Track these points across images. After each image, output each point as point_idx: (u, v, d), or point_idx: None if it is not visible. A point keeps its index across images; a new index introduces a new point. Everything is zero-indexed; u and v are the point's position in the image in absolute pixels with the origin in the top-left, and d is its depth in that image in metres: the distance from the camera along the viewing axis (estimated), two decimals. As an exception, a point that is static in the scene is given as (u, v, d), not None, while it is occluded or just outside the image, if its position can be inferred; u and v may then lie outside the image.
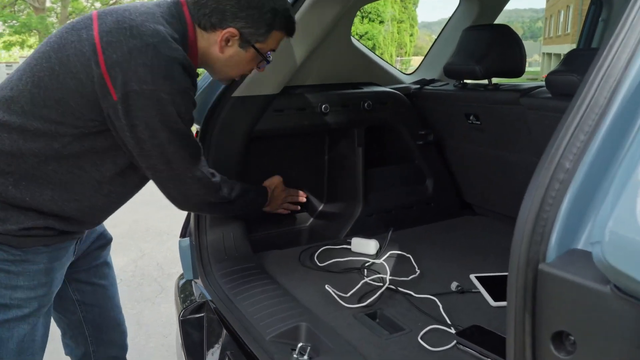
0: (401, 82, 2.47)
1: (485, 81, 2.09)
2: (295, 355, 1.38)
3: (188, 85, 1.34)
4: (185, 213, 2.09)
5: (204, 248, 1.93)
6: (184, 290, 2.03)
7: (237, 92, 1.91)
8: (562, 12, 35.41)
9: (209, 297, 1.79)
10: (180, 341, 1.83)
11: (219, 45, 1.44)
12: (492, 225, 2.37)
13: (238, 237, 1.99)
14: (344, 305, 1.63)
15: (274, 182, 2.00)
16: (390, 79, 2.44)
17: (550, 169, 0.72)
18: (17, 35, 15.29)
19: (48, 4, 15.79)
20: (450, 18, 2.67)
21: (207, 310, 1.81)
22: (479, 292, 1.72)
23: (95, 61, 1.24)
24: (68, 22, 1.41)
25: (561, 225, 0.69)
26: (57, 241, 1.43)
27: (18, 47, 17.32)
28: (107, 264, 1.82)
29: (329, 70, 2.20)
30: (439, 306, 1.59)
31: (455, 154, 2.43)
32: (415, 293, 1.69)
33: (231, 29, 1.41)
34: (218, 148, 1.92)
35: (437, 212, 2.44)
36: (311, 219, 2.37)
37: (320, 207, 2.39)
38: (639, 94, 0.71)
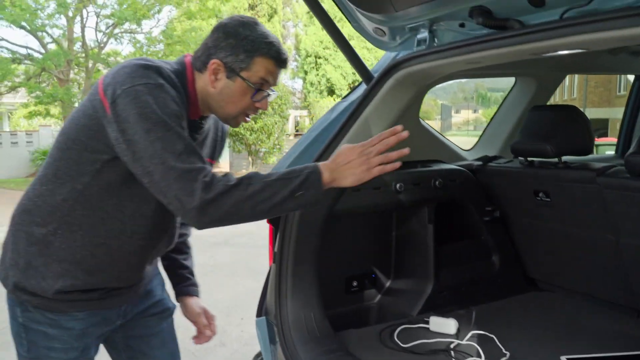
0: (463, 159, 2.54)
1: (555, 158, 2.15)
2: None
3: (160, 82, 1.37)
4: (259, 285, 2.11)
5: (286, 330, 1.93)
6: (264, 373, 2.02)
7: (320, 174, 1.96)
8: (567, 77, 36.17)
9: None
10: None
11: (210, 81, 1.49)
12: (563, 302, 2.37)
13: (318, 318, 1.99)
14: (440, 390, 1.62)
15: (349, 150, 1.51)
16: (454, 156, 2.51)
17: None
18: (41, 105, 15.77)
19: (71, 75, 16.32)
20: (507, 97, 2.77)
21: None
22: (575, 375, 1.70)
23: (97, 93, 1.37)
24: None
25: None
26: (93, 307, 1.50)
27: (39, 117, 17.85)
28: (167, 337, 1.82)
29: (400, 149, 2.26)
30: (541, 391, 1.58)
31: (521, 230, 2.46)
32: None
33: (215, 60, 1.47)
34: (300, 227, 1.95)
35: (503, 288, 2.44)
36: (379, 296, 2.38)
37: (388, 284, 2.40)
38: None
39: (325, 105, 19.56)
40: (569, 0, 1.37)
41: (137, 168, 1.35)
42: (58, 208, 1.44)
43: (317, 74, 25.64)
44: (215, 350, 3.69)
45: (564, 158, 2.17)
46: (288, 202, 1.39)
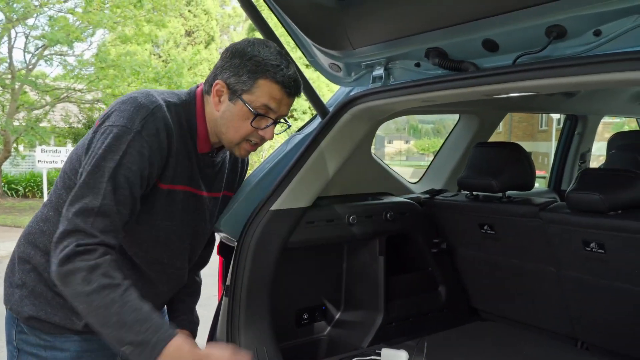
0: (411, 192, 2.60)
1: (499, 194, 2.24)
2: None
3: (144, 130, 1.35)
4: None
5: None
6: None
7: (275, 206, 1.96)
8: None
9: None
10: None
11: (214, 104, 1.46)
12: (504, 331, 2.45)
13: (271, 351, 1.96)
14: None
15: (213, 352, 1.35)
16: (402, 188, 2.57)
17: None
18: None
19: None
20: (451, 132, 2.88)
21: None
22: (523, 403, 1.76)
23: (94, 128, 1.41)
24: None
25: None
26: (88, 330, 1.41)
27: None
28: None
29: (352, 181, 2.30)
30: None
31: (466, 261, 2.54)
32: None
33: (218, 81, 1.44)
34: (255, 259, 1.93)
35: (450, 318, 2.51)
36: (329, 328, 2.38)
37: (338, 315, 2.41)
38: None
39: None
40: (522, 46, 1.45)
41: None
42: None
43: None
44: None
45: (507, 193, 2.28)
46: (111, 337, 1.26)
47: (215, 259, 2.09)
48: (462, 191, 2.48)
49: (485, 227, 2.31)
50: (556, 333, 2.30)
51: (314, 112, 2.13)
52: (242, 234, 1.93)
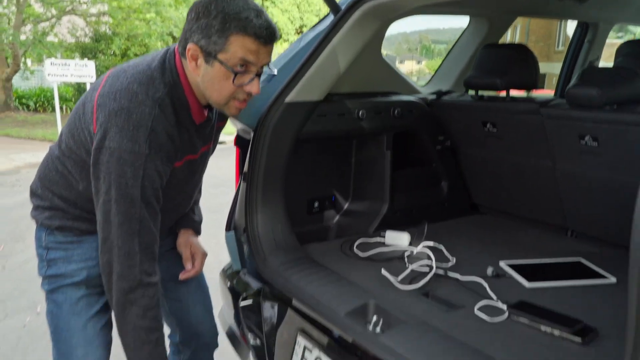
0: (419, 92, 2.71)
1: (502, 93, 2.35)
2: (371, 328, 1.57)
3: (145, 151, 1.39)
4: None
5: (256, 240, 2.08)
6: (234, 279, 2.18)
7: (288, 99, 2.08)
8: (509, 31, 36.99)
9: (269, 282, 1.95)
10: (239, 326, 1.99)
11: (192, 69, 1.44)
12: (502, 223, 2.63)
13: (285, 231, 2.15)
14: (398, 288, 1.84)
15: None
16: (410, 89, 2.67)
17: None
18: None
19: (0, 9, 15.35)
20: (461, 36, 2.94)
21: (266, 296, 1.97)
22: (512, 276, 1.95)
23: (92, 119, 1.44)
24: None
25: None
26: None
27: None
28: (201, 282, 2.02)
29: (362, 79, 2.41)
30: (484, 287, 1.82)
31: (469, 159, 2.68)
32: (459, 277, 1.91)
33: (190, 45, 1.40)
34: (270, 147, 2.08)
35: (450, 211, 2.69)
36: (337, 216, 2.56)
37: (346, 206, 2.59)
38: None
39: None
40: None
41: (97, 204, 1.46)
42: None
43: (264, 18, 24.95)
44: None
45: (511, 93, 2.39)
46: (133, 357, 1.54)
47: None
48: (469, 92, 2.58)
49: (488, 125, 2.44)
50: (550, 224, 2.48)
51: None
52: (258, 124, 2.06)
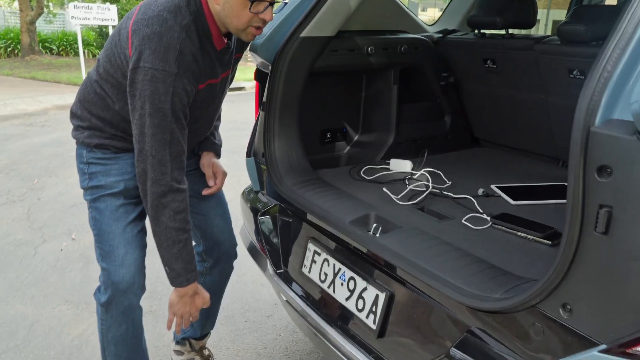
0: (426, 31, 2.89)
1: (502, 32, 2.53)
2: (371, 233, 1.83)
3: (174, 71, 1.61)
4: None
5: (274, 163, 2.33)
6: (253, 199, 2.45)
7: (304, 34, 2.29)
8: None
9: (284, 199, 2.22)
10: (258, 237, 2.27)
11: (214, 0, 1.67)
12: (500, 155, 2.85)
13: (300, 156, 2.40)
14: (397, 203, 2.09)
15: (204, 299, 1.93)
16: (418, 27, 2.85)
17: (599, 71, 1.14)
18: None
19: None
20: (469, -24, 3.08)
21: (281, 211, 2.24)
22: (500, 196, 2.19)
23: (127, 44, 1.64)
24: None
25: (604, 105, 1.13)
26: None
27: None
28: (220, 198, 2.25)
29: (372, 18, 2.59)
30: (473, 202, 2.06)
31: (471, 95, 2.88)
32: (453, 195, 2.15)
33: None
34: (287, 79, 2.29)
35: (452, 144, 2.91)
36: (348, 147, 2.80)
37: (356, 137, 2.82)
38: None
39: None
40: None
41: (133, 120, 1.66)
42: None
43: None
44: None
45: (511, 31, 2.56)
46: (167, 257, 1.77)
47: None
48: (473, 31, 2.75)
49: (488, 62, 2.63)
50: (543, 155, 2.70)
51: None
52: (275, 57, 2.27)
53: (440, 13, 3.10)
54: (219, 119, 2.22)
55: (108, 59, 1.77)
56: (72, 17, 11.73)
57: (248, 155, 2.49)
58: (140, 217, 1.98)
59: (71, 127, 1.97)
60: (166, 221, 1.71)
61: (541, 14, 32.13)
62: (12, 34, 17.09)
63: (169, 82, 1.60)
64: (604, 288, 1.11)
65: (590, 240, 1.11)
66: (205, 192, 2.14)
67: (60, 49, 17.82)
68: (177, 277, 1.79)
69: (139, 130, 1.65)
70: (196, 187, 2.12)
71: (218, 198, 2.25)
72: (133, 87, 1.62)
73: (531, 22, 2.47)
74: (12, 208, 4.69)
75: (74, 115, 1.95)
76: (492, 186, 2.27)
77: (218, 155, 2.20)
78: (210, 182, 2.14)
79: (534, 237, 1.76)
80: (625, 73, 1.14)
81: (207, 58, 1.75)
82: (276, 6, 1.74)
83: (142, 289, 1.96)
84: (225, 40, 1.80)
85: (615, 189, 1.07)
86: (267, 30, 2.35)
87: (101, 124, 1.86)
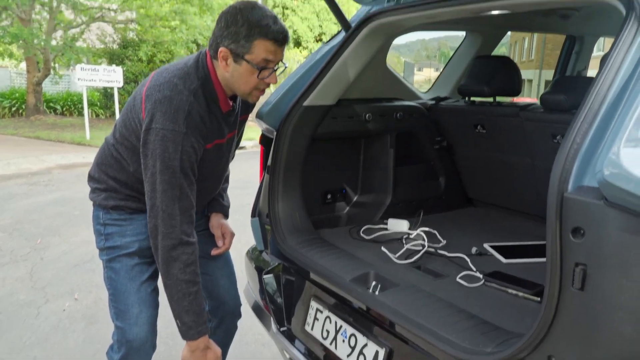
0: (420, 99, 3.08)
1: (491, 99, 2.72)
2: (371, 290, 1.94)
3: (183, 130, 1.73)
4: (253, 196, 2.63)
5: (277, 223, 2.46)
6: (258, 259, 2.56)
7: (307, 102, 2.46)
8: (527, 39, 37.04)
9: (287, 258, 2.33)
10: (262, 295, 2.37)
11: (223, 67, 1.79)
12: (492, 214, 2.99)
13: (302, 217, 2.53)
14: (395, 262, 2.21)
15: (215, 354, 1.95)
16: (412, 95, 3.04)
17: (569, 142, 1.30)
18: (2, 45, 15.50)
19: (32, 15, 15.98)
20: (458, 48, 3.31)
21: (284, 270, 2.35)
22: (493, 254, 2.31)
23: (141, 109, 1.79)
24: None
25: (575, 173, 1.27)
26: None
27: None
28: (227, 260, 2.34)
29: (369, 87, 2.78)
30: (467, 261, 2.18)
31: (463, 157, 3.04)
32: (447, 253, 2.27)
33: (222, 49, 1.75)
34: (290, 145, 2.45)
35: (447, 204, 3.05)
36: (348, 207, 2.94)
37: (355, 198, 2.96)
38: (617, 103, 1.30)
39: (291, 57, 19.70)
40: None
41: (145, 178, 1.78)
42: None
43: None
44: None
45: (498, 99, 2.74)
46: (178, 310, 1.83)
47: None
48: (463, 98, 2.94)
49: (478, 127, 2.80)
50: (531, 214, 2.83)
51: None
52: (280, 124, 2.44)
53: (435, 72, 3.29)
54: (227, 181, 2.34)
55: (124, 123, 1.91)
56: (79, 79, 12.11)
57: (253, 215, 2.62)
58: (154, 276, 2.08)
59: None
60: (176, 274, 1.78)
61: (534, 74, 33.08)
62: (17, 94, 17.53)
63: (178, 141, 1.71)
64: (584, 340, 1.22)
65: (568, 296, 1.23)
66: (214, 252, 2.23)
67: (64, 109, 18.21)
68: (189, 330, 1.83)
69: (151, 187, 1.75)
70: (205, 247, 2.21)
71: (225, 259, 2.34)
72: (146, 147, 1.75)
73: (516, 90, 2.66)
74: (16, 268, 4.75)
75: (91, 178, 2.08)
76: (485, 245, 2.40)
77: (226, 216, 2.31)
78: (220, 243, 2.24)
79: (524, 294, 1.87)
80: (592, 145, 1.29)
81: (214, 119, 1.88)
82: (278, 71, 1.86)
83: (153, 347, 2.03)
84: (231, 103, 1.92)
85: (588, 249, 1.20)
86: (272, 98, 2.53)
87: (117, 185, 1.99)
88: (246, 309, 2.53)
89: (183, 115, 1.72)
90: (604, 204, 1.19)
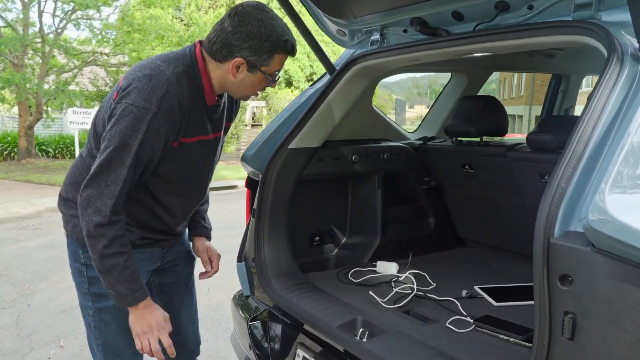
0: (407, 139, 3.07)
1: (478, 138, 2.71)
2: (358, 337, 1.87)
3: (153, 109, 1.63)
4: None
5: (263, 269, 2.41)
6: (244, 305, 2.50)
7: (292, 145, 2.44)
8: (515, 76, 37.64)
9: (273, 304, 2.27)
10: (248, 342, 2.30)
11: (231, 72, 1.74)
12: (483, 254, 2.95)
13: (289, 260, 2.48)
14: (384, 307, 2.15)
15: (162, 314, 1.84)
16: (399, 135, 3.04)
17: (554, 187, 1.27)
18: (-3, 91, 15.59)
19: (25, 60, 16.12)
20: (444, 89, 3.32)
21: (271, 317, 2.28)
22: (483, 297, 2.26)
23: (113, 95, 1.72)
24: None
25: (561, 218, 1.24)
26: (141, 244, 1.88)
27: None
28: (191, 287, 2.26)
29: (355, 128, 2.77)
30: (457, 305, 2.12)
31: (452, 197, 3.02)
32: (437, 297, 2.21)
33: (239, 59, 1.72)
34: (276, 188, 2.42)
35: (437, 245, 3.00)
36: (336, 249, 2.89)
37: (344, 240, 2.91)
38: (602, 144, 1.28)
39: (283, 97, 19.87)
40: (479, 16, 1.89)
41: (100, 149, 1.68)
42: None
43: (275, 66, 25.67)
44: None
45: (485, 138, 2.73)
46: (109, 282, 1.72)
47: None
48: (450, 138, 2.94)
49: (466, 167, 2.78)
50: (523, 254, 2.79)
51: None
52: (266, 167, 2.41)
53: (426, 109, 3.30)
54: (207, 201, 2.25)
55: (95, 125, 1.80)
56: (71, 122, 12.13)
57: (239, 260, 2.56)
58: None
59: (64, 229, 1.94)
60: (101, 249, 1.67)
61: (524, 109, 33.50)
62: (9, 138, 17.53)
63: (145, 120, 1.62)
64: (576, 393, 1.17)
65: (558, 347, 1.18)
66: (202, 277, 2.15)
67: (56, 152, 18.20)
68: (124, 298, 1.73)
69: (102, 159, 1.65)
70: (178, 279, 2.14)
71: (191, 297, 2.25)
72: (109, 120, 1.67)
73: (502, 130, 2.65)
74: (2, 315, 4.63)
75: (64, 202, 1.90)
76: (476, 287, 2.35)
77: (209, 239, 2.23)
78: (208, 267, 2.17)
79: (515, 340, 1.82)
80: (578, 188, 1.26)
81: (196, 110, 1.78)
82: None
83: None
84: (216, 98, 1.85)
85: (577, 297, 1.16)
86: (257, 141, 2.51)
87: None
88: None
89: (160, 94, 1.64)
90: (591, 250, 1.15)
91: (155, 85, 1.65)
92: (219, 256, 2.20)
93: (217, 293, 4.53)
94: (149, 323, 1.78)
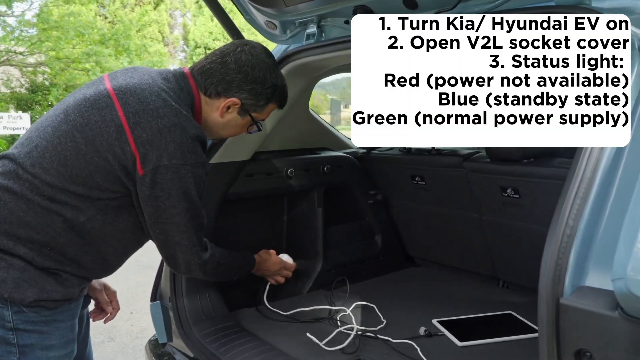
0: (349, 147, 2.72)
1: (429, 147, 2.39)
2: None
3: (204, 159, 1.50)
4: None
5: (181, 310, 1.99)
6: (158, 354, 2.06)
7: (214, 159, 2.04)
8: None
9: (194, 356, 1.86)
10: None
11: (220, 111, 1.59)
12: (435, 274, 2.64)
13: (214, 299, 2.07)
14: (326, 351, 1.78)
15: (269, 253, 2.07)
16: (340, 143, 2.68)
17: (561, 225, 0.94)
18: None
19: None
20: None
21: (191, 370, 1.87)
22: (444, 335, 1.93)
23: (123, 141, 1.36)
24: (81, 95, 1.46)
25: (572, 269, 0.91)
26: (78, 297, 1.50)
27: None
28: (88, 330, 1.84)
29: (291, 136, 2.40)
30: (416, 349, 1.78)
31: (400, 212, 2.69)
32: (391, 339, 1.87)
33: (234, 99, 1.57)
34: (195, 211, 2.01)
35: (385, 265, 2.67)
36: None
37: (280, 265, 2.52)
38: (611, 174, 0.96)
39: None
40: (437, 3, 1.56)
41: (156, 227, 1.47)
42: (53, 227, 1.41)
43: (207, 66, 24.91)
44: (104, 345, 3.61)
45: (437, 146, 2.42)
46: (233, 275, 1.85)
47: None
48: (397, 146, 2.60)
49: (416, 179, 2.46)
50: (480, 274, 2.50)
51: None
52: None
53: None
54: None
55: (84, 163, 1.38)
56: (-20, 127, 11.15)
57: (153, 299, 2.13)
58: None
59: None
60: (212, 272, 1.67)
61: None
62: None
63: (200, 173, 1.48)
64: None
65: None
66: (106, 320, 1.79)
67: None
68: (246, 266, 1.92)
69: (173, 228, 1.49)
70: (83, 330, 1.73)
71: (89, 344, 1.82)
72: (154, 188, 1.41)
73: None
74: None
75: None
76: (434, 321, 2.02)
77: None
78: (109, 308, 1.77)
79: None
80: (590, 226, 0.94)
81: None
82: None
83: None
84: None
85: (603, 384, 0.83)
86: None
87: (35, 254, 1.38)
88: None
89: (199, 143, 1.47)
90: (619, 316, 0.83)
91: (194, 135, 1.47)
92: (115, 292, 1.82)
93: (142, 317, 4.05)
94: (269, 269, 2.06)
